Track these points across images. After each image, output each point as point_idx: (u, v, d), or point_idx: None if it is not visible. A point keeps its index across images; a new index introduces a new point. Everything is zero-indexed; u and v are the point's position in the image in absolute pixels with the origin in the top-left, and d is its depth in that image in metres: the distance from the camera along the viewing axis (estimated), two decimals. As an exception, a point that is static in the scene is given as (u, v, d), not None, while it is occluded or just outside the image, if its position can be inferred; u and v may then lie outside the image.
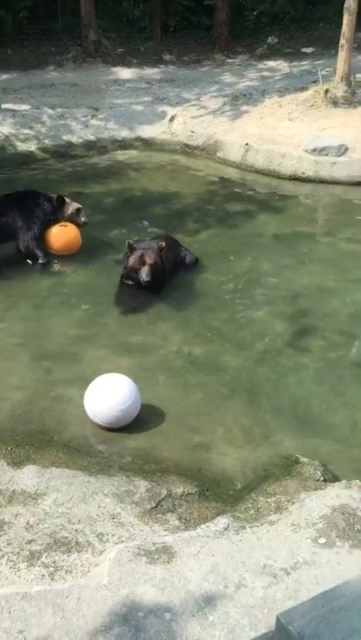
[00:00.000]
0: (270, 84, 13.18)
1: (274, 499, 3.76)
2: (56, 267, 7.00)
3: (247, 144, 10.16)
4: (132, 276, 6.29)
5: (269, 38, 16.26)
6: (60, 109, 11.71)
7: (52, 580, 3.16)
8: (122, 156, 10.89)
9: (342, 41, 10.99)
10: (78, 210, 7.16)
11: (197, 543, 3.30)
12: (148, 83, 13.75)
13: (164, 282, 6.45)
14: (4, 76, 13.94)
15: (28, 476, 3.91)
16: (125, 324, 5.97)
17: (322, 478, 3.98)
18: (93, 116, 11.61)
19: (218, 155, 10.54)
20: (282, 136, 10.21)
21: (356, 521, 3.41)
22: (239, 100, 12.05)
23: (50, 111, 11.61)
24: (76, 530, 3.50)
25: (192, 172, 10.24)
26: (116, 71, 14.75)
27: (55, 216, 7.06)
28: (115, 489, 3.84)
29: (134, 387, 4.61)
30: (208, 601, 2.95)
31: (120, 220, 8.13)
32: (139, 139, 11.26)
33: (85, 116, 11.57)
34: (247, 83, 13.45)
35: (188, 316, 6.09)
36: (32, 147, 10.71)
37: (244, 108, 11.65)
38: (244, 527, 3.46)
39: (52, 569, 3.22)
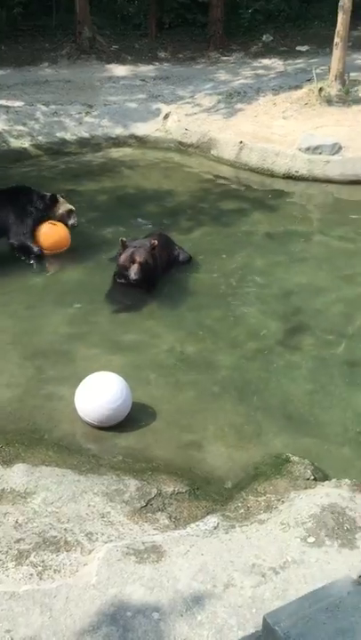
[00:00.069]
0: (265, 82, 13.16)
1: (264, 498, 3.76)
2: (49, 264, 6.98)
3: (241, 142, 10.14)
4: (123, 273, 6.28)
5: (264, 36, 16.23)
6: (53, 106, 11.65)
7: (41, 579, 3.15)
8: (116, 153, 10.85)
9: (337, 39, 10.96)
10: (70, 211, 7.14)
11: (187, 542, 3.30)
12: (143, 80, 13.71)
13: (157, 280, 6.44)
14: (-2, 73, 13.89)
15: (17, 475, 3.89)
16: (117, 323, 5.95)
17: (312, 477, 3.98)
18: (87, 113, 11.55)
19: (212, 153, 10.52)
20: (276, 134, 10.19)
21: (345, 520, 3.41)
22: (234, 98, 12.03)
23: (43, 108, 11.56)
24: (66, 529, 3.49)
25: (186, 169, 10.21)
26: (111, 68, 14.70)
27: (46, 214, 7.04)
28: (105, 488, 3.83)
29: (125, 385, 4.59)
30: (196, 600, 2.94)
31: (113, 217, 8.10)
32: (133, 136, 11.22)
33: (79, 113, 11.52)
34: (242, 81, 13.42)
35: (180, 315, 6.08)
36: (25, 143, 10.65)
37: (239, 105, 11.63)
38: (233, 526, 3.46)
39: (40, 568, 3.22)
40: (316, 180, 9.40)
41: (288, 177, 9.58)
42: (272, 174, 9.69)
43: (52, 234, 7.04)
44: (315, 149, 9.53)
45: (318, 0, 16.61)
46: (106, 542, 3.37)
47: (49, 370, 5.21)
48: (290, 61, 14.84)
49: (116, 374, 4.65)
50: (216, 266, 6.96)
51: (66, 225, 7.13)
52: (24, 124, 10.98)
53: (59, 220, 7.11)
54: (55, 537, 3.42)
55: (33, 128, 10.97)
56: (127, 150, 10.96)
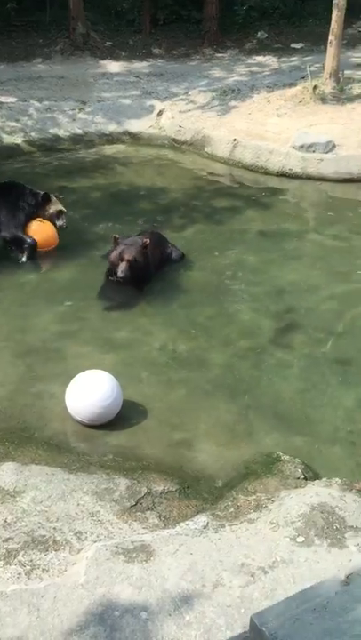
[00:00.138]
0: (259, 79, 13.13)
1: (254, 497, 3.75)
2: (41, 262, 6.94)
3: (235, 140, 10.12)
4: (113, 271, 6.25)
5: (259, 33, 16.19)
6: (47, 102, 11.59)
7: (29, 578, 3.13)
8: (109, 150, 10.81)
9: (331, 37, 10.95)
10: (60, 212, 7.13)
11: (176, 542, 3.28)
12: (137, 76, 13.65)
13: (149, 278, 6.41)
14: (-9, 68, 13.80)
15: (6, 474, 3.87)
16: (109, 320, 5.93)
17: (302, 476, 3.98)
18: (81, 110, 11.50)
19: (206, 150, 10.49)
20: (270, 132, 10.17)
21: (334, 519, 3.40)
22: (228, 95, 11.99)
23: (37, 104, 11.50)
24: (55, 528, 3.47)
25: (179, 166, 10.19)
26: (105, 64, 14.63)
27: (36, 211, 7.02)
28: (94, 487, 3.81)
29: (116, 383, 4.58)
30: (185, 600, 2.93)
31: (106, 214, 8.07)
32: (126, 133, 11.18)
33: (73, 110, 11.46)
34: (236, 78, 13.39)
35: (172, 312, 6.06)
36: (18, 139, 10.60)
37: (233, 103, 11.59)
38: (223, 525, 3.45)
39: (28, 568, 3.20)
40: (309, 177, 9.40)
41: (282, 175, 9.56)
42: (266, 172, 9.68)
43: (40, 231, 7.01)
44: (309, 147, 9.51)
45: (313, -3, 16.59)
46: (95, 541, 3.35)
47: (40, 368, 5.19)
48: (284, 59, 14.81)
49: (107, 372, 4.63)
50: (209, 263, 6.94)
51: (54, 225, 7.11)
52: (17, 120, 10.93)
53: (48, 220, 7.09)
54: (44, 536, 3.40)
55: (26, 124, 10.91)
56: (121, 147, 10.93)
